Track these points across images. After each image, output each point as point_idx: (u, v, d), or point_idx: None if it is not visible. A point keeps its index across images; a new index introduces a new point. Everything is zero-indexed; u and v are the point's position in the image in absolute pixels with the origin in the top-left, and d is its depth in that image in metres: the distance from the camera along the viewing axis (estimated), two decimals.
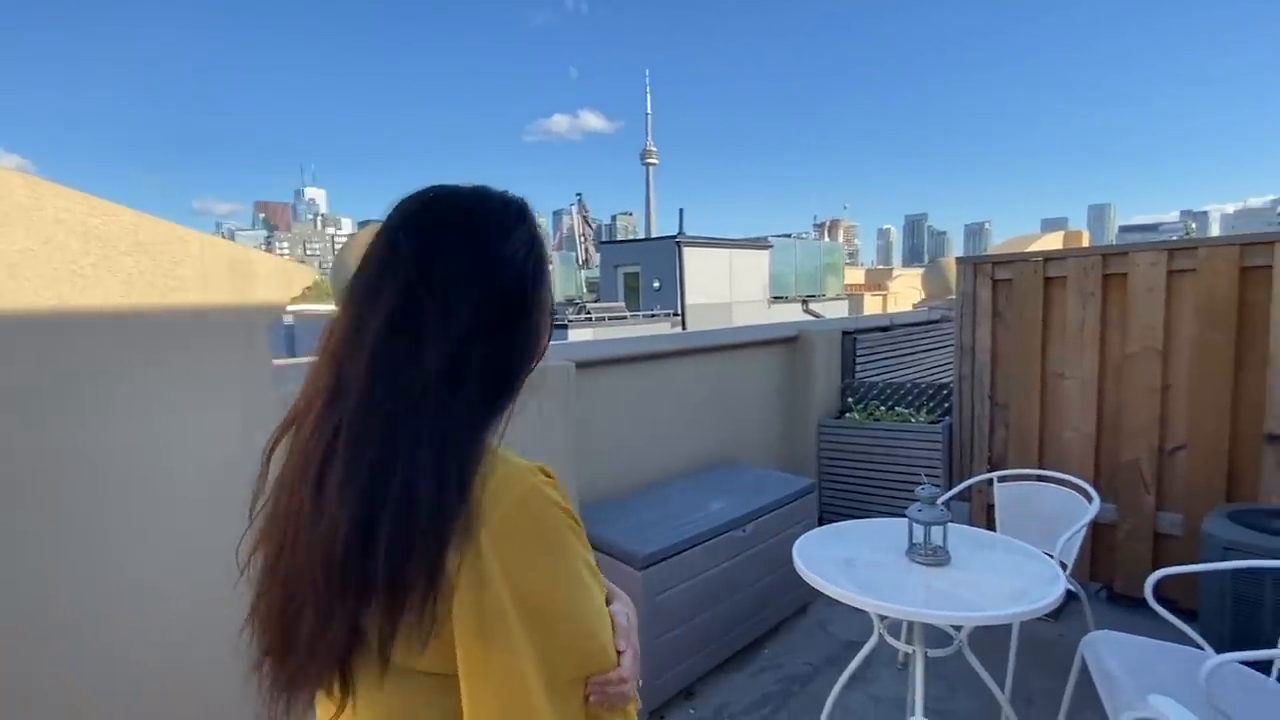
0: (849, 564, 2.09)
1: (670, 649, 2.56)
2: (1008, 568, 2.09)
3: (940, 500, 2.97)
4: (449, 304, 0.67)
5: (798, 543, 2.28)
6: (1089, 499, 2.62)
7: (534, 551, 0.66)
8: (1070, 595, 2.41)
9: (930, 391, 4.13)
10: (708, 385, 3.74)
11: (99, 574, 1.52)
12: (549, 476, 0.72)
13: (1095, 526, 2.66)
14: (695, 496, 3.10)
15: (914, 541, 2.10)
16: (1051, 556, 2.31)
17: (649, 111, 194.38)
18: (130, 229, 1.58)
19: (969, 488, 3.32)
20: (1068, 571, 2.46)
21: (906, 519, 2.12)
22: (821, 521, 4.05)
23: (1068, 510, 2.71)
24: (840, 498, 4.10)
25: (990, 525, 3.19)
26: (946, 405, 4.02)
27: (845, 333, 4.50)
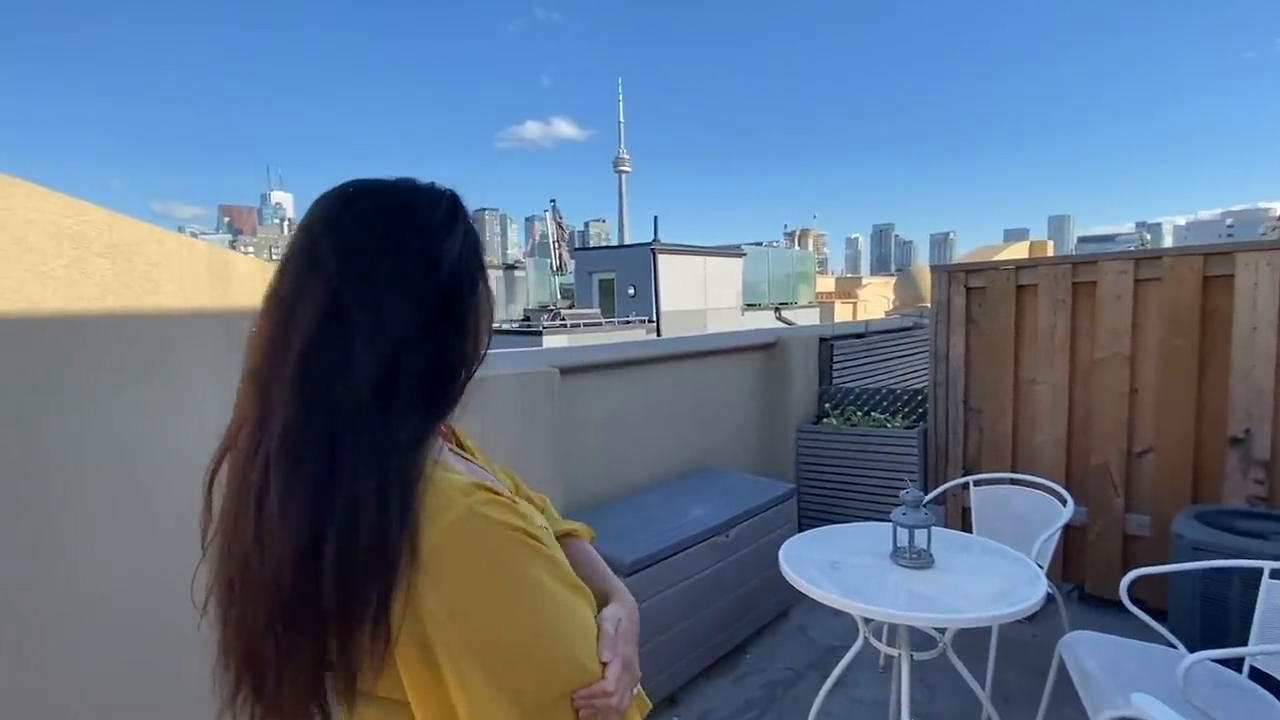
0: (834, 567, 2.10)
1: (655, 656, 2.54)
2: (989, 570, 2.12)
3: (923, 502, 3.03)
4: (378, 308, 0.63)
5: (784, 546, 2.29)
6: (1063, 502, 2.68)
7: (477, 581, 0.62)
8: (1047, 596, 2.47)
9: (906, 397, 4.20)
10: (687, 391, 3.74)
11: (60, 588, 1.46)
12: (491, 492, 0.66)
13: (1066, 528, 2.73)
14: (677, 502, 3.09)
15: (898, 545, 2.12)
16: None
17: (621, 120, 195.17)
18: (104, 229, 1.53)
19: (945, 491, 3.37)
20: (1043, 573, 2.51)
21: (890, 522, 2.14)
22: (801, 526, 4.08)
23: (1041, 512, 2.77)
24: (819, 502, 4.14)
25: (966, 528, 3.25)
26: (922, 410, 4.09)
27: (822, 339, 4.55)
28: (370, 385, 0.61)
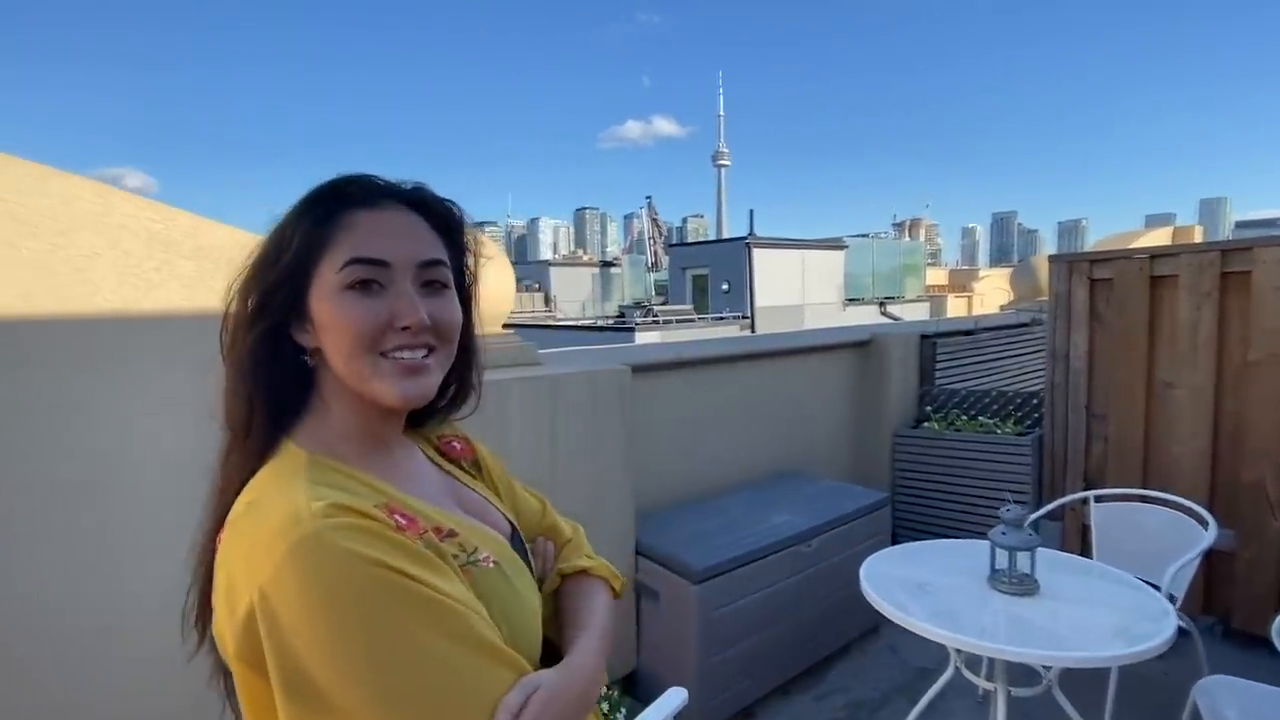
0: (922, 589, 1.92)
1: (728, 667, 2.44)
2: (1107, 600, 1.87)
3: (1029, 520, 2.73)
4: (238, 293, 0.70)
5: (867, 562, 2.13)
6: (1204, 524, 2.33)
7: (308, 629, 0.50)
8: (1180, 631, 2.15)
9: (1018, 400, 3.83)
10: (772, 391, 3.59)
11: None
12: (361, 515, 0.55)
13: (1209, 554, 2.37)
14: (757, 508, 2.97)
15: (996, 567, 1.91)
16: (1157, 587, 2.06)
17: (721, 113, 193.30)
18: (190, 233, 1.62)
19: (1061, 507, 3.03)
20: (1177, 604, 2.19)
21: (989, 541, 1.93)
22: (895, 539, 3.82)
23: (1176, 535, 2.42)
24: (917, 514, 3.86)
25: (1084, 549, 2.91)
26: (1036, 415, 3.72)
27: (924, 336, 4.24)
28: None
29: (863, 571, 2.03)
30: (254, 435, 0.65)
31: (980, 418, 3.85)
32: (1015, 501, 1.95)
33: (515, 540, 0.81)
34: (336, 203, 0.67)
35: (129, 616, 1.50)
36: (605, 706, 2.21)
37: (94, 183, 1.53)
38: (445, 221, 0.75)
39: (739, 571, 2.47)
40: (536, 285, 23.27)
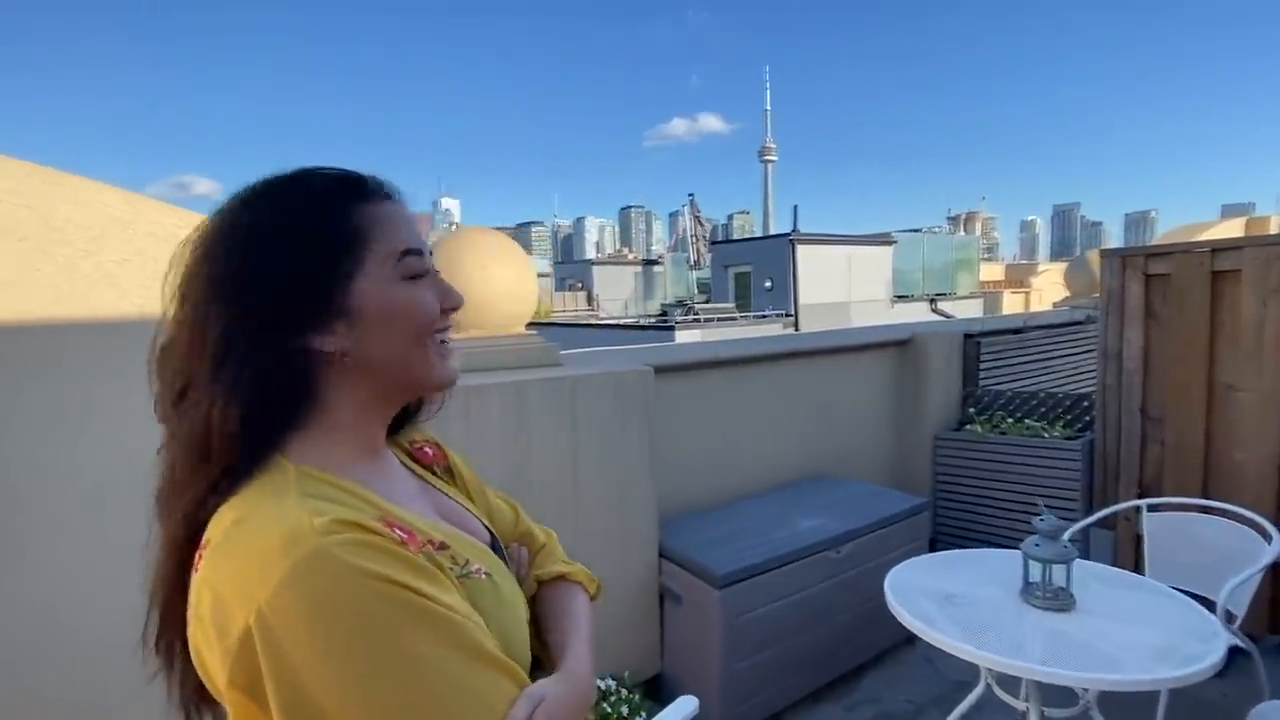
0: (950, 601, 1.84)
1: (753, 674, 2.39)
2: (1151, 616, 1.75)
3: (1079, 527, 2.60)
4: (227, 299, 0.62)
5: (893, 571, 2.05)
6: (1267, 538, 2.16)
7: (320, 650, 0.49)
8: (1238, 651, 2.00)
9: (1067, 403, 3.65)
10: (806, 392, 3.51)
11: None
12: (364, 530, 0.54)
13: (1274, 569, 2.20)
14: (786, 512, 2.90)
15: (1030, 580, 1.81)
16: (1214, 604, 1.92)
17: (768, 108, 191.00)
18: None
19: (1113, 515, 2.87)
20: (1236, 623, 2.05)
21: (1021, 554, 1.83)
22: (935, 546, 3.70)
23: (1237, 548, 2.26)
24: (958, 520, 3.72)
25: (1138, 560, 2.74)
26: (1087, 419, 3.53)
27: (967, 335, 4.08)
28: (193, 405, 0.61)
29: (888, 581, 1.96)
30: (244, 456, 0.59)
31: (1027, 420, 3.68)
32: (1053, 509, 1.85)
33: (495, 548, 0.80)
34: (359, 197, 0.66)
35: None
36: (625, 709, 2.19)
37: (123, 191, 1.59)
38: None
39: (764, 577, 2.42)
40: (579, 285, 23.42)
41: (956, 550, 2.23)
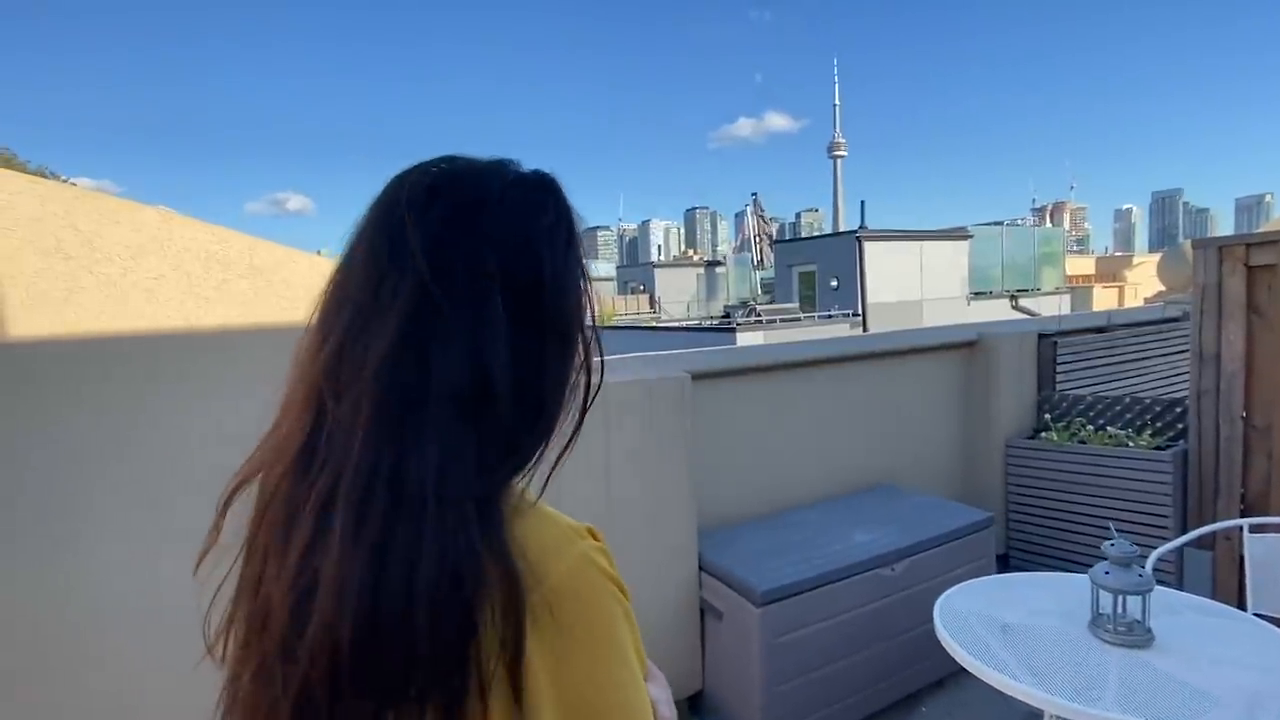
0: (1007, 632, 1.67)
1: (797, 696, 2.27)
2: (1245, 658, 1.53)
3: (1170, 547, 2.35)
4: (478, 311, 0.54)
5: (945, 597, 1.90)
6: None
7: (583, 639, 0.53)
8: None
9: (1156, 409, 3.32)
10: (863, 396, 3.34)
11: None
12: (597, 539, 0.59)
13: None
14: (838, 525, 2.75)
15: (1100, 611, 1.62)
16: None
17: (836, 103, 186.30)
18: (246, 253, 1.71)
19: (1212, 535, 2.58)
20: None
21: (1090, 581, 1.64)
22: (1008, 564, 3.44)
23: None
24: (1033, 536, 3.45)
25: (1240, 586, 2.45)
26: (1180, 426, 3.20)
27: (1042, 335, 3.79)
28: (462, 406, 0.53)
29: (938, 608, 1.81)
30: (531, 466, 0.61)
31: (1110, 428, 3.38)
32: (1141, 527, 1.65)
33: None
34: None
35: (170, 612, 1.60)
36: None
37: (159, 211, 1.65)
38: None
39: (810, 594, 2.29)
40: (641, 287, 23.45)
41: (1016, 573, 2.04)
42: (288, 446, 0.56)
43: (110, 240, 1.58)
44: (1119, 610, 1.57)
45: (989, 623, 1.72)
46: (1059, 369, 3.76)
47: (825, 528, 2.73)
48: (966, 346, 3.72)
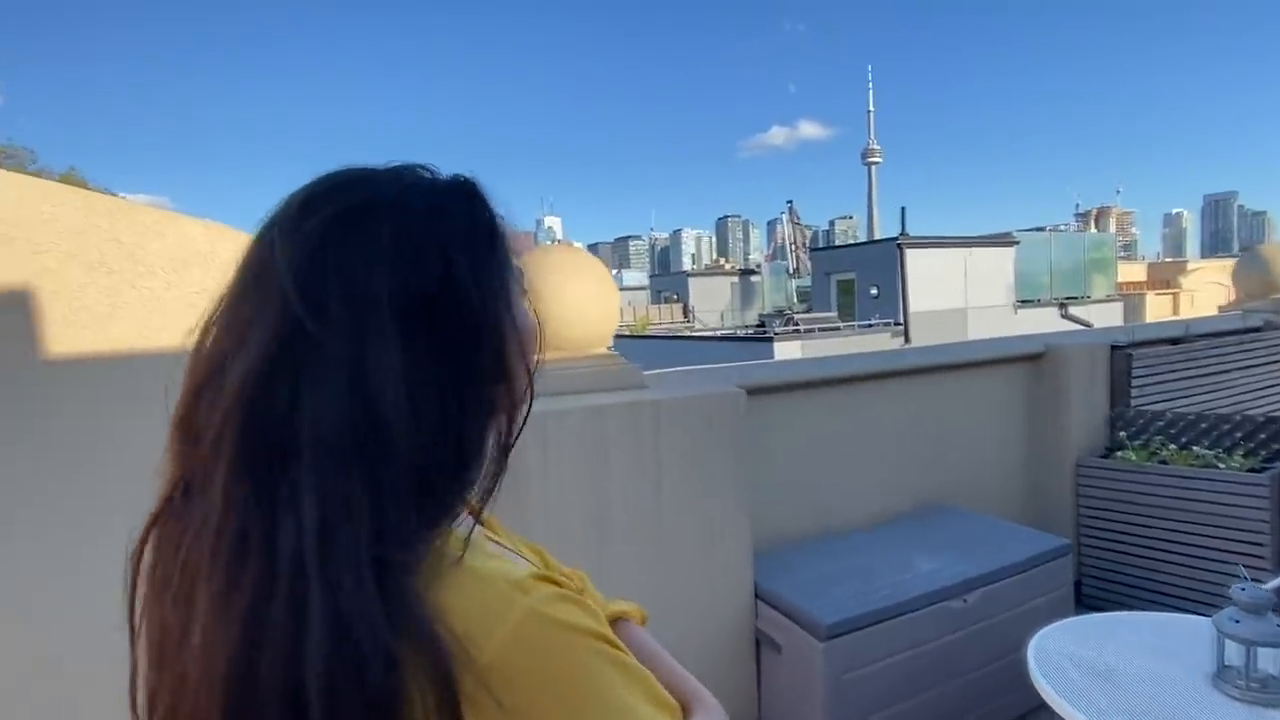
0: (1111, 679, 1.50)
1: None
2: None
3: (1271, 587, 2.12)
4: (359, 335, 0.46)
5: (1039, 636, 1.73)
6: None
7: (544, 709, 0.45)
8: None
9: (1249, 426, 3.07)
10: (918, 413, 3.16)
11: None
12: (553, 583, 0.49)
13: None
14: (899, 550, 2.58)
15: (1226, 663, 1.44)
16: None
17: (871, 109, 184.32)
18: None
19: None
20: None
21: (1212, 624, 1.46)
22: (1081, 597, 3.20)
23: None
24: (1109, 566, 3.21)
25: None
26: (1276, 446, 2.95)
27: (1115, 346, 3.56)
28: (348, 442, 0.44)
29: (1032, 650, 1.64)
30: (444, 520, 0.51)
31: (1194, 447, 3.13)
32: (1233, 557, 1.46)
33: None
34: (483, 195, 0.57)
35: None
36: None
37: (203, 222, 1.59)
38: None
39: (876, 628, 2.13)
40: (674, 296, 23.34)
41: (1118, 612, 1.85)
42: (160, 500, 0.50)
43: (153, 253, 1.53)
44: (1250, 664, 1.38)
45: (1088, 668, 1.54)
46: (1134, 382, 3.52)
47: (886, 553, 2.56)
48: (1032, 359, 3.51)
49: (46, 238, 1.42)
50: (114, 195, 1.62)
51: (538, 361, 0.60)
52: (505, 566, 0.50)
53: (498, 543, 0.68)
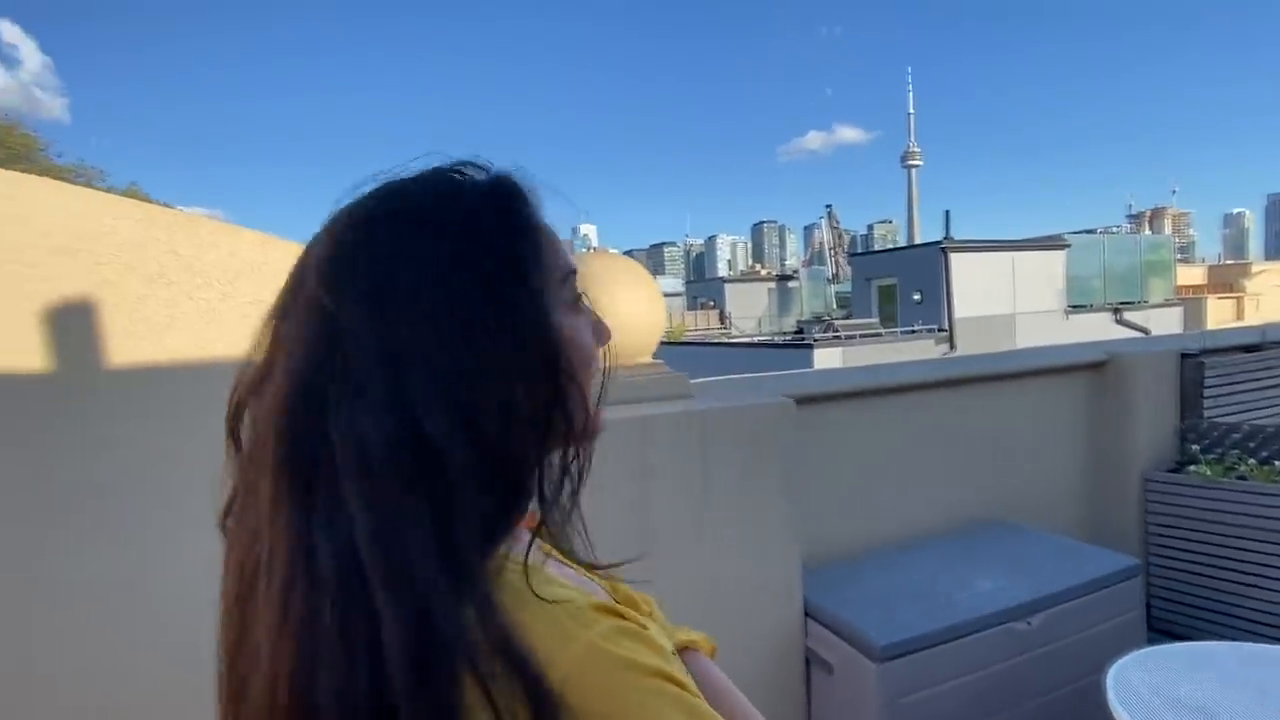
0: (1209, 716, 1.39)
1: None
2: None
3: None
4: (385, 343, 0.45)
5: (1118, 666, 1.62)
6: None
7: None
8: None
9: None
10: (971, 423, 3.04)
11: None
12: (617, 615, 0.47)
13: None
14: (956, 567, 2.47)
15: None
16: None
17: (911, 111, 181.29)
18: None
19: None
20: None
21: None
22: (1153, 621, 3.02)
23: None
24: (1184, 588, 3.02)
25: None
26: None
27: (1185, 355, 3.37)
28: (390, 465, 0.44)
29: (1111, 681, 1.53)
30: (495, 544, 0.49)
31: (1277, 462, 2.94)
32: None
33: None
34: (523, 199, 0.55)
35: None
36: None
37: (257, 234, 1.60)
38: None
39: (935, 651, 2.04)
40: (711, 303, 23.22)
41: (1208, 643, 1.73)
42: (223, 506, 0.54)
43: (209, 264, 1.54)
44: None
45: (1180, 706, 1.43)
46: (1206, 392, 3.33)
47: (942, 571, 2.46)
48: (1094, 367, 3.35)
49: (107, 250, 1.44)
50: (172, 208, 1.66)
51: (601, 377, 0.56)
52: (566, 593, 0.47)
53: (564, 563, 0.64)
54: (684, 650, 0.70)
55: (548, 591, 0.46)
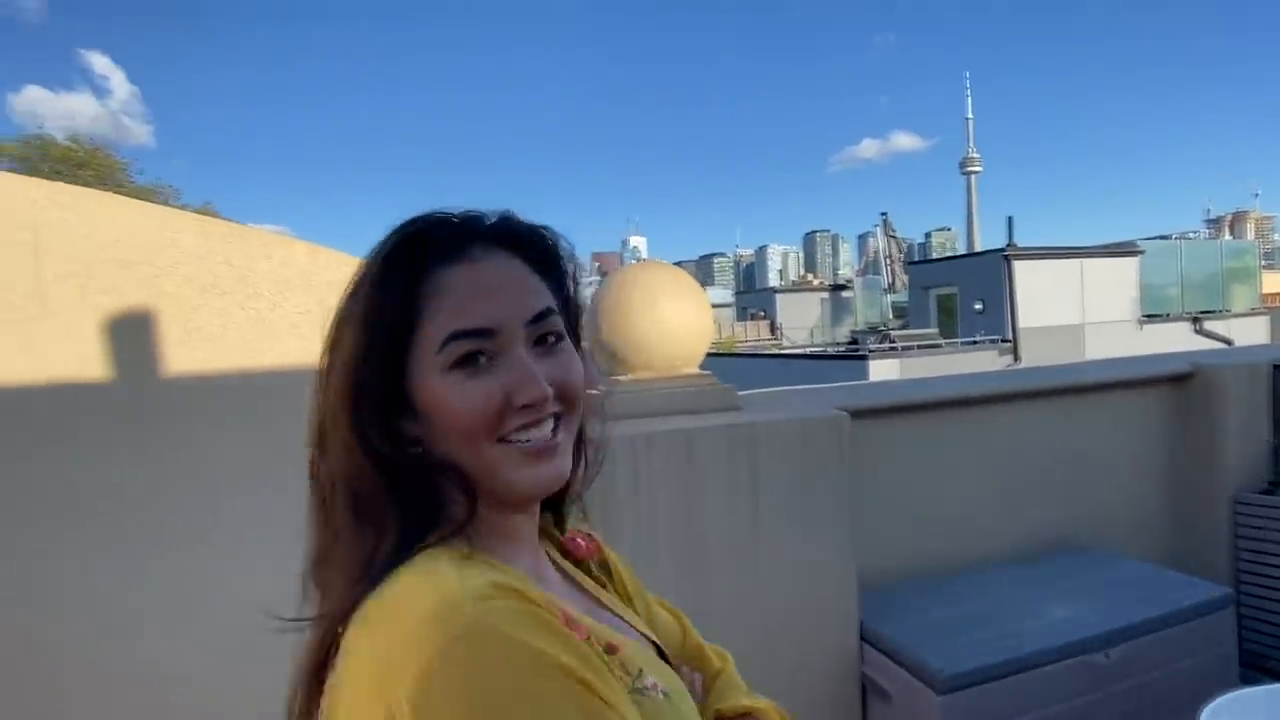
0: None
1: None
2: None
3: None
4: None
5: (1212, 708, 1.45)
6: None
7: None
8: None
9: None
10: (1041, 439, 2.86)
11: None
12: (523, 598, 0.47)
13: None
14: (1026, 593, 2.32)
15: None
16: None
17: (969, 116, 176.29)
18: None
19: None
20: None
21: None
22: (1245, 655, 2.76)
23: None
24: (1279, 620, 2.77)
25: None
26: None
27: (1277, 366, 3.11)
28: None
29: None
30: (383, 556, 0.54)
31: None
32: None
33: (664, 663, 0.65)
34: (420, 258, 0.58)
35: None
36: None
37: (308, 244, 1.63)
38: (543, 256, 0.65)
39: (1003, 683, 1.90)
40: (762, 313, 22.95)
41: None
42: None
43: (260, 274, 1.57)
44: None
45: None
46: None
47: (1011, 597, 2.31)
48: (1176, 380, 3.12)
49: (166, 262, 1.49)
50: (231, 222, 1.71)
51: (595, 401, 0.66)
52: (466, 572, 0.50)
53: (585, 591, 0.66)
54: (739, 717, 0.67)
55: (461, 571, 0.49)
